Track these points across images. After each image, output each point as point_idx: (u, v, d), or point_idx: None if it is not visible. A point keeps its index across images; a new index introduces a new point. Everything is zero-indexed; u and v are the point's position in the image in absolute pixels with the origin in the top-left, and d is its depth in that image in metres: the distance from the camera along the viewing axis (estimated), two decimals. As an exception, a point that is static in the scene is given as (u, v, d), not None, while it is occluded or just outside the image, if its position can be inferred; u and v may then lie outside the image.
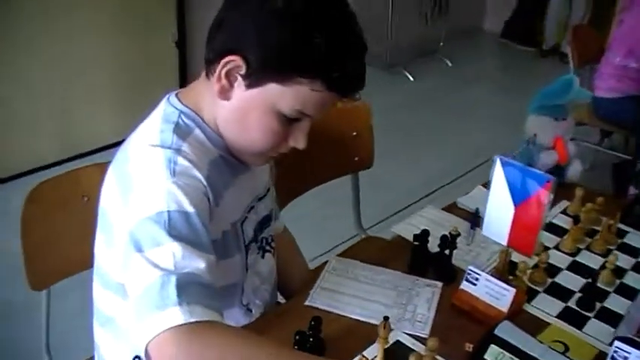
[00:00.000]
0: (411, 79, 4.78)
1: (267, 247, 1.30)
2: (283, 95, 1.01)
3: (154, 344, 0.86)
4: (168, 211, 0.94)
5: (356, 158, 1.97)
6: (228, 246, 1.15)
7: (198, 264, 0.92)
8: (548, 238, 1.50)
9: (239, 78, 1.03)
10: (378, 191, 3.12)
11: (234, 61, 1.01)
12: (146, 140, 1.05)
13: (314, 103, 1.03)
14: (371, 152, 1.99)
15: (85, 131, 3.47)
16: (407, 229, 1.50)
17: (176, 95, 1.12)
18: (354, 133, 1.95)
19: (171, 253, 0.91)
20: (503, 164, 1.22)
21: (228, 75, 1.03)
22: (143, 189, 0.99)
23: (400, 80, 4.77)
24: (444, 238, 1.35)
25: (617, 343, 1.08)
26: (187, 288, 0.88)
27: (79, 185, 1.46)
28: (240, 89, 1.04)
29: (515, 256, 1.33)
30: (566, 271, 1.40)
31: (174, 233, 0.93)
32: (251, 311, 1.27)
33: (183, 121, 1.08)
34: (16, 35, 3.06)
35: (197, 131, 1.09)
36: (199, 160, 1.04)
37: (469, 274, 1.27)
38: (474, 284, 1.27)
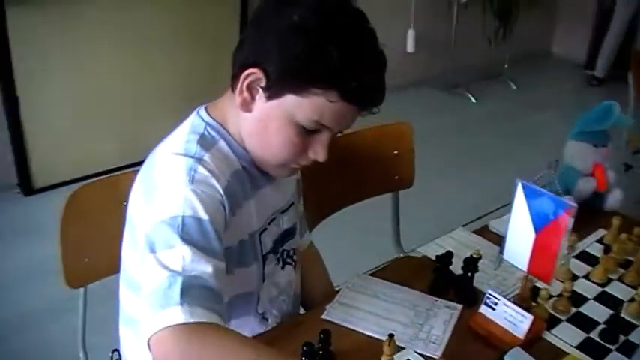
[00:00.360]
0: (473, 100, 4.73)
1: (288, 260, 1.32)
2: (301, 106, 1.04)
3: (154, 340, 0.89)
4: (183, 216, 0.98)
5: (396, 177, 1.97)
6: (244, 255, 1.17)
7: (205, 268, 0.95)
8: (579, 267, 1.47)
9: (260, 90, 1.06)
10: (429, 210, 3.11)
11: (255, 73, 1.05)
12: (172, 149, 1.10)
13: (330, 114, 1.05)
14: (412, 172, 1.98)
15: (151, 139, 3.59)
16: (434, 249, 1.49)
17: (205, 108, 1.17)
18: (396, 152, 1.95)
19: (181, 256, 0.95)
20: (525, 188, 1.20)
21: (249, 87, 1.07)
22: (163, 194, 1.04)
23: (462, 102, 4.73)
24: (466, 260, 1.34)
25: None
26: (191, 290, 0.91)
27: (118, 191, 1.52)
28: (261, 101, 1.07)
29: (541, 283, 1.31)
30: (593, 301, 1.36)
31: (186, 237, 0.96)
32: (267, 320, 1.29)
33: (208, 132, 1.13)
34: (83, 42, 3.22)
35: (221, 143, 1.13)
36: (220, 171, 1.08)
37: (488, 297, 1.26)
38: (493, 308, 1.25)
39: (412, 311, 1.30)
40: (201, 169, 1.05)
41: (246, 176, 1.15)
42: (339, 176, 1.87)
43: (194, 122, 1.15)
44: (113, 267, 1.41)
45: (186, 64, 3.65)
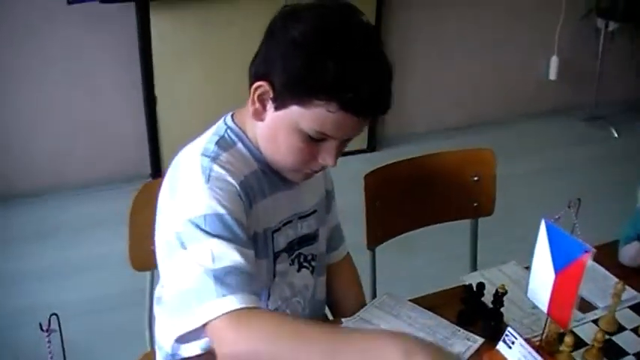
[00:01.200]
0: (615, 135, 4.43)
1: (305, 264, 1.36)
2: (304, 116, 1.11)
3: (209, 331, 1.02)
4: (205, 215, 1.09)
5: (475, 204, 1.93)
6: (256, 248, 1.22)
7: (233, 257, 1.06)
8: (630, 318, 1.36)
9: (269, 101, 1.14)
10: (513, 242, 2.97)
11: (263, 86, 1.13)
12: (194, 149, 1.20)
13: (332, 123, 1.11)
14: (492, 199, 1.93)
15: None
16: (477, 279, 1.45)
17: (232, 114, 1.26)
18: (476, 178, 1.91)
19: (209, 250, 1.06)
20: (548, 227, 1.14)
21: (260, 98, 1.15)
22: (185, 192, 1.15)
23: (602, 135, 4.44)
24: (495, 294, 1.30)
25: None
26: (225, 279, 1.03)
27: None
28: (270, 111, 1.15)
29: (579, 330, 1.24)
30: (632, 357, 1.26)
31: (210, 232, 1.08)
32: None
33: (228, 135, 1.23)
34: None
35: (239, 145, 1.22)
36: (235, 168, 1.17)
37: (507, 335, 1.21)
38: (510, 347, 1.20)
39: (431, 338, 1.28)
40: (216, 167, 1.14)
41: (264, 177, 1.23)
42: (417, 196, 1.87)
43: (218, 126, 1.25)
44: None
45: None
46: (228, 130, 1.23)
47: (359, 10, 1.14)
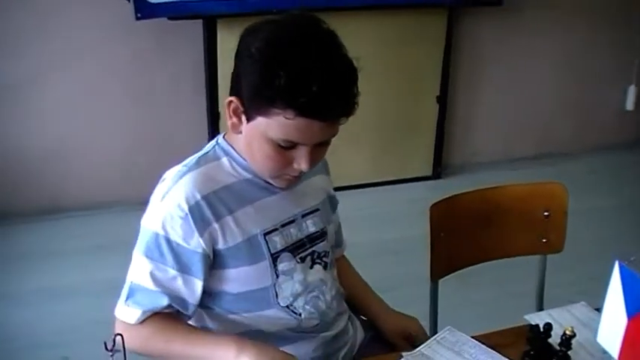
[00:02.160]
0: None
1: (318, 260, 1.44)
2: (269, 126, 1.21)
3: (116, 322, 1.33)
4: (148, 229, 1.29)
5: (544, 240, 1.92)
6: (245, 255, 1.33)
7: (145, 278, 1.28)
8: None
9: (242, 115, 1.26)
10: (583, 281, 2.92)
11: (233, 101, 1.26)
12: (185, 160, 1.36)
13: (295, 130, 1.20)
14: (562, 236, 1.92)
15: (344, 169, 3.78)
16: (543, 319, 1.45)
17: (225, 133, 1.39)
18: (546, 213, 1.91)
19: (138, 263, 1.30)
20: (622, 269, 1.15)
21: (234, 113, 1.27)
22: (152, 198, 1.32)
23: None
24: (563, 336, 1.30)
25: None
26: (134, 294, 1.30)
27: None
28: (245, 124, 1.27)
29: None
30: None
31: (144, 247, 1.29)
32: (299, 314, 1.39)
33: (214, 151, 1.36)
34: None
35: (224, 159, 1.35)
36: (205, 183, 1.29)
37: (574, 380, 1.21)
38: (575, 393, 1.20)
39: (493, 378, 1.29)
40: (176, 187, 1.28)
41: (250, 186, 1.34)
42: (483, 229, 1.87)
43: (210, 143, 1.39)
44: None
45: (381, 102, 3.75)
46: (216, 147, 1.36)
47: (319, 19, 1.24)
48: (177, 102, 3.57)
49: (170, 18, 3.20)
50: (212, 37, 3.32)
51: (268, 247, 1.35)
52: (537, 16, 4.02)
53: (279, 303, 1.37)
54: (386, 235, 3.36)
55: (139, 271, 1.29)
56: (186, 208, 1.26)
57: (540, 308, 2.00)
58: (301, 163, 1.26)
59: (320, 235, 1.46)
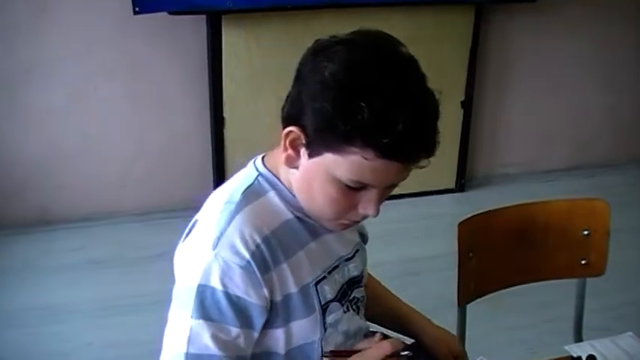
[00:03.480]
0: None
1: (356, 307, 1.38)
2: (339, 164, 1.11)
3: None
4: (199, 285, 1.15)
5: (583, 261, 1.88)
6: (295, 308, 1.23)
7: (207, 343, 1.14)
8: None
9: (302, 148, 1.16)
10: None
11: (294, 131, 1.15)
12: (222, 194, 1.23)
13: (370, 172, 1.10)
14: (604, 257, 1.87)
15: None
16: (586, 351, 1.39)
17: (262, 158, 1.29)
18: (586, 232, 1.86)
19: (189, 328, 1.14)
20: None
21: (292, 145, 1.17)
22: (193, 249, 1.19)
23: None
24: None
25: None
26: None
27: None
28: (304, 158, 1.17)
29: None
30: None
31: (197, 308, 1.14)
32: None
33: (259, 182, 1.24)
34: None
35: (271, 194, 1.24)
36: (261, 223, 1.18)
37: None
38: None
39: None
40: (230, 230, 1.16)
41: (300, 225, 1.25)
42: (516, 249, 1.84)
43: (248, 172, 1.27)
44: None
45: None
46: (260, 177, 1.25)
47: (397, 41, 1.14)
48: (177, 107, 3.54)
49: (171, 13, 3.16)
50: (217, 35, 3.28)
51: (319, 298, 1.27)
52: (576, 13, 3.96)
53: (322, 356, 1.30)
54: (407, 253, 3.30)
55: (197, 337, 1.15)
56: (247, 255, 1.15)
57: (579, 336, 1.96)
58: (368, 208, 1.18)
59: (360, 280, 1.40)
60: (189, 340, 1.14)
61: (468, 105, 3.89)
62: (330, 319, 1.29)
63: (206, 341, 1.14)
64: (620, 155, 4.35)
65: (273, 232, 1.19)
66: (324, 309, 1.28)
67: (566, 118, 4.20)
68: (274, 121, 3.86)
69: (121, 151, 3.55)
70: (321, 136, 1.11)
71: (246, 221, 1.17)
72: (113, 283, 3.06)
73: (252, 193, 1.22)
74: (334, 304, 1.30)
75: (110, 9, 3.21)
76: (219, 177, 3.53)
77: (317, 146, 1.13)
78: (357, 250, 1.39)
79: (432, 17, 3.66)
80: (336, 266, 1.31)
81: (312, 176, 1.17)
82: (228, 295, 1.14)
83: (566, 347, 1.45)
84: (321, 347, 1.28)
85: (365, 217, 1.21)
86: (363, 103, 1.05)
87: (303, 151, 1.16)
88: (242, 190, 1.22)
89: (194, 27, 3.33)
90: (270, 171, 1.26)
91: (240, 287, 1.15)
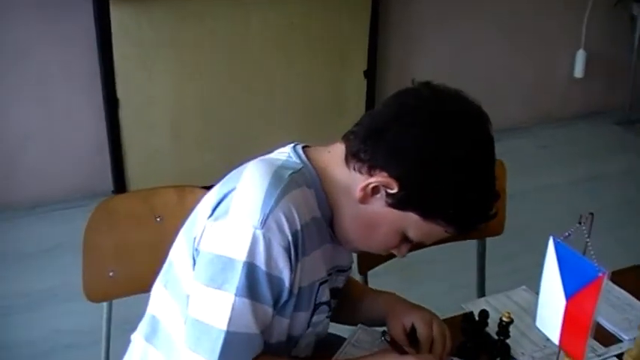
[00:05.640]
0: (654, 141, 4.49)
1: (329, 314, 1.44)
2: (418, 226, 1.23)
3: None
4: (244, 262, 1.17)
5: (482, 223, 1.97)
6: (301, 301, 1.29)
7: (249, 321, 1.19)
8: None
9: (384, 193, 1.22)
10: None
11: (390, 184, 1.20)
12: (268, 166, 1.25)
13: (438, 237, 1.27)
14: (502, 218, 1.97)
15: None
16: (480, 307, 1.49)
17: (303, 147, 1.32)
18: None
19: (231, 306, 1.17)
20: (557, 246, 1.19)
21: (374, 191, 1.23)
22: (235, 224, 1.19)
23: (637, 141, 4.49)
24: (499, 324, 1.34)
25: None
26: (231, 346, 1.17)
27: (152, 205, 1.68)
28: (379, 202, 1.23)
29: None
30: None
31: (240, 285, 1.17)
32: None
33: (303, 174, 1.27)
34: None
35: (310, 190, 1.26)
36: (302, 210, 1.22)
37: (513, 371, 1.25)
38: (517, 384, 1.24)
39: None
40: (278, 210, 1.18)
41: (320, 227, 1.29)
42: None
43: (288, 157, 1.30)
44: (140, 285, 1.55)
45: (304, 78, 3.80)
46: (304, 169, 1.27)
47: (489, 119, 1.26)
48: (67, 87, 3.47)
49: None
50: (104, 11, 3.23)
51: (316, 298, 1.33)
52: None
53: (290, 353, 1.37)
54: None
55: (239, 315, 1.18)
56: (289, 236, 1.19)
57: (482, 293, 2.06)
58: (402, 251, 1.31)
59: (340, 293, 1.48)
60: (231, 318, 1.17)
61: (371, 74, 3.96)
62: (315, 318, 1.36)
63: (248, 320, 1.18)
64: (525, 117, 4.53)
65: (307, 223, 1.23)
66: (315, 308, 1.34)
67: (472, 81, 4.33)
68: (170, 101, 3.78)
69: (10, 138, 3.47)
70: (418, 201, 1.21)
71: (293, 204, 1.20)
72: (4, 279, 3.02)
73: (299, 178, 1.25)
74: (324, 307, 1.37)
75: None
76: (117, 161, 3.52)
77: (405, 204, 1.21)
78: (350, 269, 1.48)
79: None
80: (330, 273, 1.38)
81: (382, 221, 1.25)
82: (270, 276, 1.19)
83: (462, 305, 1.54)
84: (297, 343, 1.36)
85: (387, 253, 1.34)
86: (475, 195, 1.20)
87: (381, 195, 1.22)
88: (289, 173, 1.24)
89: (80, 1, 3.28)
90: (315, 169, 1.29)
91: (279, 268, 1.19)
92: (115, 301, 1.68)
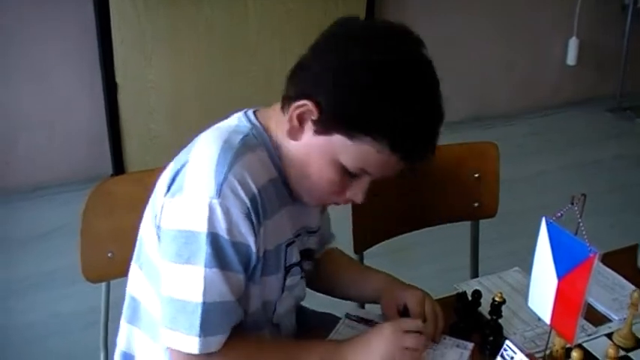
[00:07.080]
0: (644, 128, 4.49)
1: (303, 275, 1.42)
2: (348, 149, 1.17)
3: (173, 354, 1.19)
4: (207, 233, 1.15)
5: (476, 204, 1.97)
6: (268, 265, 1.27)
7: (223, 288, 1.17)
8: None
9: (310, 122, 1.19)
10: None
11: (307, 105, 1.17)
12: (216, 137, 1.22)
13: (376, 162, 1.18)
14: (495, 199, 1.97)
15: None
16: (473, 287, 1.48)
17: (253, 111, 1.30)
18: (477, 175, 1.95)
19: (202, 278, 1.15)
20: (549, 226, 1.18)
21: (300, 117, 1.20)
22: (192, 198, 1.17)
23: (628, 128, 4.50)
24: (492, 304, 1.34)
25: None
26: (210, 316, 1.16)
27: (150, 186, 1.65)
28: (308, 133, 1.20)
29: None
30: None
31: (207, 256, 1.15)
32: (280, 332, 1.39)
33: (253, 136, 1.24)
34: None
35: (261, 150, 1.24)
36: (256, 174, 1.19)
37: (505, 349, 1.24)
38: (508, 362, 1.24)
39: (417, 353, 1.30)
40: (231, 176, 1.16)
41: (280, 188, 1.27)
42: (410, 194, 1.89)
43: (238, 122, 1.28)
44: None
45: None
46: (254, 131, 1.25)
47: (422, 42, 1.21)
48: (65, 72, 3.45)
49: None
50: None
51: (285, 260, 1.32)
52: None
53: (272, 321, 1.36)
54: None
55: (212, 285, 1.16)
56: (247, 202, 1.16)
57: (475, 274, 2.05)
58: (357, 195, 1.24)
59: (313, 254, 1.46)
60: (205, 290, 1.15)
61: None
62: (289, 281, 1.34)
63: (222, 289, 1.17)
64: (518, 105, 4.52)
65: (263, 186, 1.21)
66: (287, 270, 1.33)
67: (465, 69, 4.33)
68: (169, 87, 3.77)
69: (9, 123, 3.46)
70: (338, 119, 1.16)
71: (246, 169, 1.17)
72: (5, 263, 3.02)
73: (250, 143, 1.22)
74: (296, 269, 1.35)
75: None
76: (116, 145, 3.52)
77: (328, 126, 1.17)
78: (319, 228, 1.45)
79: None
80: (299, 234, 1.36)
81: (312, 153, 1.21)
82: (234, 243, 1.17)
83: (455, 285, 1.53)
84: (275, 309, 1.34)
85: (348, 202, 1.28)
86: (391, 98, 1.13)
87: (309, 126, 1.20)
88: (240, 138, 1.21)
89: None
90: (263, 128, 1.26)
91: (242, 234, 1.17)
92: (114, 284, 1.66)
